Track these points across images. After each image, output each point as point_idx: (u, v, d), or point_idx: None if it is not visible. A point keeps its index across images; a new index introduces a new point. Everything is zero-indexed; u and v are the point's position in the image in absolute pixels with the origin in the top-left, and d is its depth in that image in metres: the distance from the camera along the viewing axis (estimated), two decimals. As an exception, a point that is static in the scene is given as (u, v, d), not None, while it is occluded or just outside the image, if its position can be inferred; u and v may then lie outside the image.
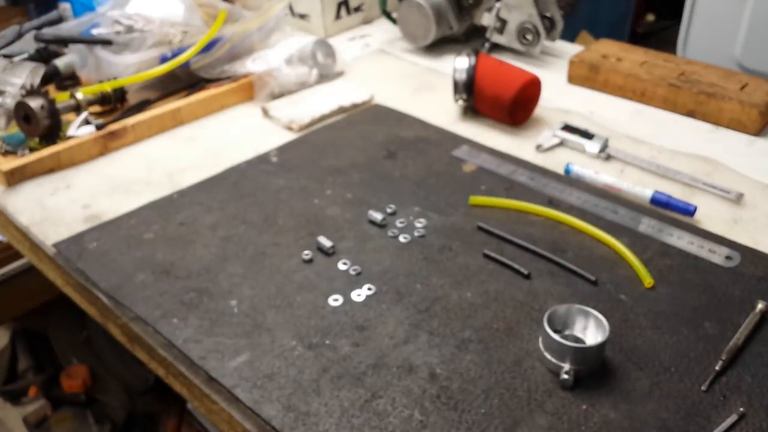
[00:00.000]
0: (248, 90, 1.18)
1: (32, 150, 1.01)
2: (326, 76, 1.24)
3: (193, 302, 0.76)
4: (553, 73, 1.22)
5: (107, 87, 1.10)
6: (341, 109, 1.13)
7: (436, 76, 1.25)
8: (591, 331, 0.67)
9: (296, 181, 0.96)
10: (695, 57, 1.50)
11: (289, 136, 1.08)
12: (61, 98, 1.06)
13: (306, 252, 0.82)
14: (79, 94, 1.07)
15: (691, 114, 1.08)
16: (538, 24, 1.23)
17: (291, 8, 1.43)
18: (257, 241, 0.85)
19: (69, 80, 1.21)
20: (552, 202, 0.90)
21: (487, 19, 1.29)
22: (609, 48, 1.21)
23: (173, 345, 0.71)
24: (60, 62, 1.20)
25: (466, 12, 1.32)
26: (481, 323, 0.72)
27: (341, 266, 0.80)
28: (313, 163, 1.00)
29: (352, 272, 0.79)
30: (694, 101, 1.07)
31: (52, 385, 1.77)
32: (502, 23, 1.27)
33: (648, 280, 0.76)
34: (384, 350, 0.69)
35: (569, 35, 1.85)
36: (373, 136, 1.06)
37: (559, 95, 1.16)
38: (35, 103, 0.99)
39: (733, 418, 0.60)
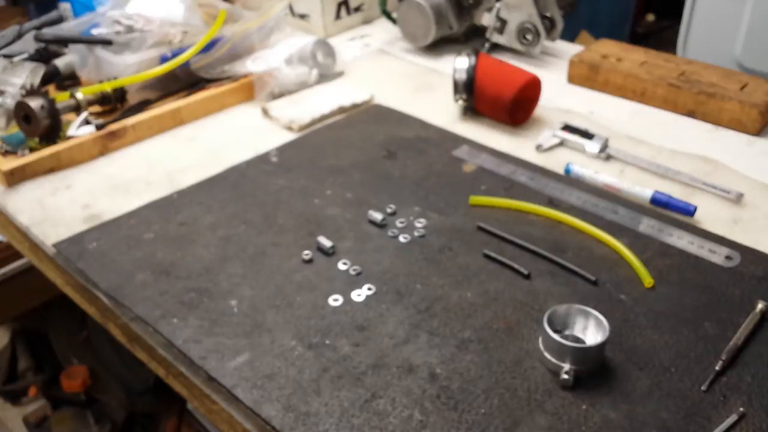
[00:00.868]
0: (248, 90, 1.18)
1: (32, 150, 1.01)
2: (326, 76, 1.24)
3: (193, 302, 0.76)
4: (553, 73, 1.22)
5: (107, 87, 1.10)
6: (341, 109, 1.13)
7: (436, 76, 1.25)
8: (591, 331, 0.67)
9: (296, 181, 0.96)
10: (695, 57, 1.50)
11: (289, 136, 1.08)
12: (61, 98, 1.06)
13: (306, 252, 0.82)
14: (79, 94, 1.07)
15: (691, 114, 1.08)
16: (538, 24, 1.23)
17: (291, 8, 1.43)
18: (257, 241, 0.85)
19: (69, 80, 1.21)
20: (552, 202, 0.90)
21: (487, 19, 1.29)
22: (609, 48, 1.21)
23: (173, 345, 0.71)
24: (60, 62, 1.20)
25: (466, 12, 1.32)
26: (481, 323, 0.72)
27: (341, 266, 0.80)
28: (313, 163, 1.00)
29: (352, 272, 0.79)
30: (694, 101, 1.07)
31: (52, 385, 1.78)
32: (502, 23, 1.27)
33: (648, 280, 0.76)
34: (384, 350, 0.69)
35: (569, 35, 1.85)
36: (373, 136, 1.06)
37: (559, 95, 1.16)
38: (35, 103, 0.99)
39: (733, 418, 0.60)
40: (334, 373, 0.67)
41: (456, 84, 1.08)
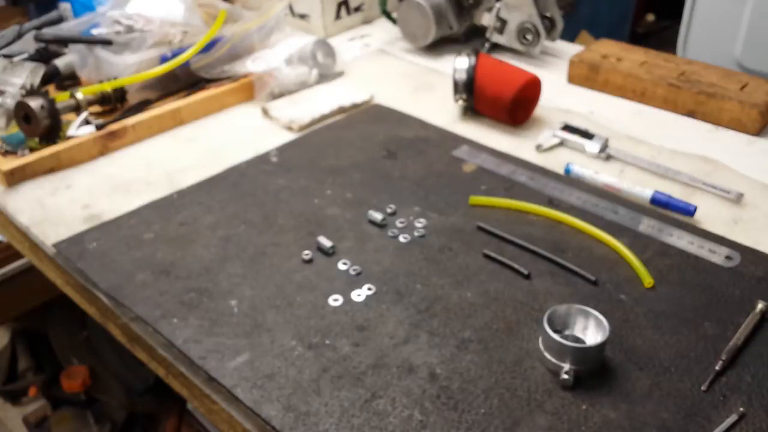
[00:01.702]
0: (248, 90, 1.18)
1: (32, 150, 1.01)
2: (326, 76, 1.24)
3: (193, 302, 0.76)
4: (553, 73, 1.22)
5: (107, 87, 1.10)
6: (341, 109, 1.13)
7: (436, 76, 1.25)
8: (591, 331, 0.67)
9: (296, 181, 0.96)
10: (695, 57, 1.50)
11: (289, 136, 1.08)
12: (61, 98, 1.06)
13: (306, 252, 0.82)
14: (79, 94, 1.07)
15: (691, 114, 1.08)
16: (538, 24, 1.23)
17: (291, 8, 1.43)
18: (257, 241, 0.85)
19: (69, 80, 1.21)
20: (552, 202, 0.90)
21: (487, 19, 1.29)
22: (609, 48, 1.21)
23: (173, 345, 0.71)
24: (60, 62, 1.20)
25: (466, 12, 1.32)
26: (481, 323, 0.72)
27: (341, 266, 0.80)
28: (313, 163, 1.00)
29: (352, 272, 0.79)
30: (694, 101, 1.07)
31: (52, 385, 1.78)
32: (502, 23, 1.27)
33: (648, 280, 0.76)
34: (384, 350, 0.69)
35: (569, 35, 1.85)
36: (373, 136, 1.06)
37: (559, 95, 1.16)
38: (35, 103, 0.99)
39: (733, 418, 0.60)
40: (334, 373, 0.67)
41: (456, 84, 1.08)
